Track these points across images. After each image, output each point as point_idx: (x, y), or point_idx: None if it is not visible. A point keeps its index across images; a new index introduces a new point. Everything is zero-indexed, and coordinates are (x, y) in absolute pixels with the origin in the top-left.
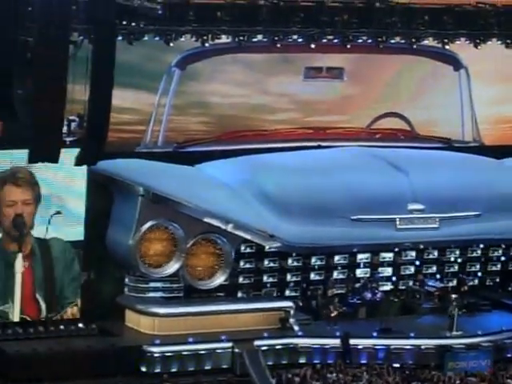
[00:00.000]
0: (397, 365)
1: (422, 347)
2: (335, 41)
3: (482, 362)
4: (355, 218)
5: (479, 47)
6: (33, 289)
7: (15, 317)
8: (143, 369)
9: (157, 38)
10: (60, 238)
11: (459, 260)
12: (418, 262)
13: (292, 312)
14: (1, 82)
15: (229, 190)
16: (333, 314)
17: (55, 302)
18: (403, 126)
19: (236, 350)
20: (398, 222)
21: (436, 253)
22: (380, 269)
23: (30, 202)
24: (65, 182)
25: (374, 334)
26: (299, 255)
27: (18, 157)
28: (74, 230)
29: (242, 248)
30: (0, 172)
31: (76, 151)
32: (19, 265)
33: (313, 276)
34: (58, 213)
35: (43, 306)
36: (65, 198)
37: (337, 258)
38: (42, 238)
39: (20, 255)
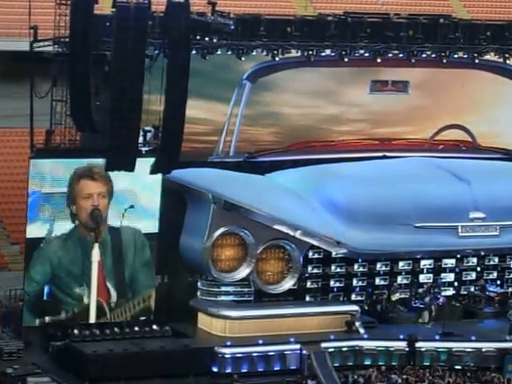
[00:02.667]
0: (458, 367)
1: (483, 350)
2: (400, 55)
3: None
4: (419, 225)
5: None
6: (103, 276)
7: (92, 301)
8: (215, 369)
9: (229, 52)
10: (130, 226)
11: None
12: (479, 268)
13: (358, 315)
14: (79, 94)
15: (297, 198)
16: (433, 314)
17: (124, 288)
18: (465, 138)
19: (304, 352)
20: (459, 230)
21: (496, 259)
22: (442, 275)
23: (104, 195)
24: (138, 177)
25: (437, 338)
26: (365, 261)
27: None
28: (145, 223)
29: (310, 254)
30: (76, 168)
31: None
32: (96, 254)
33: (378, 281)
34: (132, 207)
35: (113, 292)
36: (138, 193)
37: (401, 263)
38: (115, 227)
39: (97, 245)
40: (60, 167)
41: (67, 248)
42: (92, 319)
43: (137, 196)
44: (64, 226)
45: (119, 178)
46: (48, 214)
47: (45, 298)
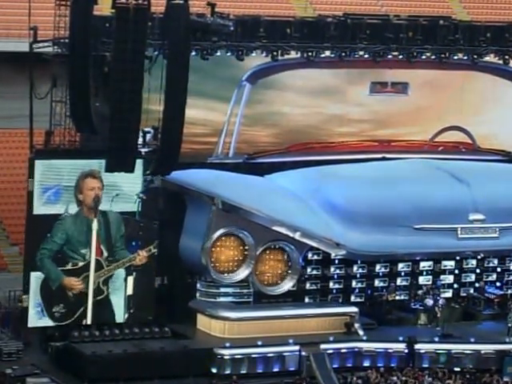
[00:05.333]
0: (457, 369)
1: (482, 352)
2: (400, 57)
3: None
4: (418, 227)
5: None
6: (99, 241)
7: (92, 259)
8: (214, 370)
9: (229, 54)
10: (113, 211)
11: None
12: (478, 270)
13: (357, 317)
14: (79, 95)
15: (297, 200)
16: (439, 315)
17: (110, 249)
18: (465, 139)
19: (303, 353)
20: (459, 232)
21: (496, 261)
22: (442, 276)
23: (100, 188)
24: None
25: (436, 339)
26: (364, 263)
27: (97, 166)
28: (128, 205)
29: (309, 255)
30: (82, 170)
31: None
32: (95, 226)
33: (377, 283)
34: (117, 195)
35: (105, 252)
36: (122, 184)
37: (400, 265)
38: (104, 210)
39: (95, 220)
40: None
41: (76, 223)
42: (89, 317)
43: (121, 186)
44: (73, 208)
45: (107, 174)
46: (65, 199)
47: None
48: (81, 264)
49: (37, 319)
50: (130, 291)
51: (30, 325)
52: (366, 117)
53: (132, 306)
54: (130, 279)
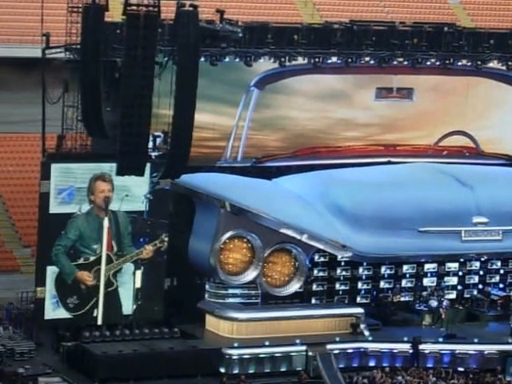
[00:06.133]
0: (461, 369)
1: (485, 352)
2: (405, 63)
3: None
4: (423, 229)
5: None
6: (110, 237)
7: (103, 253)
8: (222, 370)
9: (237, 60)
10: (121, 211)
11: None
12: (482, 272)
13: (362, 318)
14: (90, 100)
15: (304, 203)
16: (443, 316)
17: (119, 245)
18: (468, 144)
19: (310, 353)
20: (463, 234)
21: (499, 263)
22: (446, 278)
23: (110, 190)
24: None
25: (440, 340)
26: (370, 264)
27: (108, 169)
28: (135, 205)
29: (316, 257)
30: (94, 173)
31: None
32: (106, 224)
33: (382, 284)
34: (127, 195)
35: (115, 247)
36: (130, 186)
37: (405, 267)
38: (114, 210)
39: (106, 218)
40: (82, 169)
41: (88, 221)
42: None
43: (130, 188)
44: (86, 207)
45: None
46: (78, 199)
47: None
48: (92, 258)
49: (51, 311)
50: (138, 284)
51: (46, 317)
52: (372, 121)
53: (140, 298)
54: (139, 273)
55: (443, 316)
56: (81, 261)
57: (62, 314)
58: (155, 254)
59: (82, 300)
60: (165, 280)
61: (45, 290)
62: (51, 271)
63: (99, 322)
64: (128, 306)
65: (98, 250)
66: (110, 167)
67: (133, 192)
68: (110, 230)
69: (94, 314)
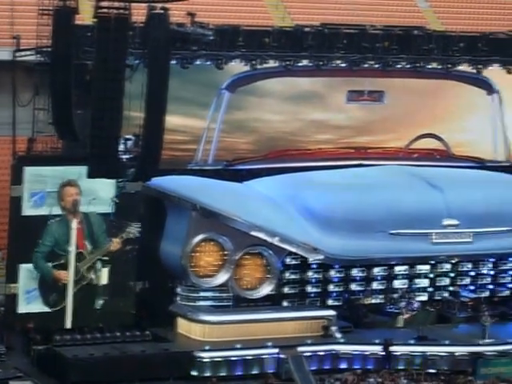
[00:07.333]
0: (432, 370)
1: (456, 354)
2: (376, 66)
3: None
4: (394, 232)
5: None
6: (83, 237)
7: (72, 252)
8: (194, 373)
9: (208, 63)
10: (93, 212)
11: (491, 272)
12: (452, 274)
13: (334, 320)
14: (61, 103)
15: (275, 206)
16: (404, 317)
17: (95, 243)
18: (439, 147)
19: (281, 356)
20: (433, 237)
21: (470, 265)
22: (417, 280)
23: (78, 193)
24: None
25: (411, 342)
26: (341, 267)
27: (77, 173)
28: (103, 207)
29: (288, 260)
30: (62, 180)
31: None
32: (74, 226)
33: (354, 287)
34: (94, 199)
35: (89, 246)
36: (98, 189)
37: (376, 269)
38: (85, 212)
39: (75, 220)
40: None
41: (61, 227)
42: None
43: (97, 192)
44: (57, 210)
45: (85, 180)
46: (49, 202)
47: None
48: (64, 261)
49: (24, 306)
50: (104, 281)
51: (19, 311)
52: (344, 124)
53: (106, 295)
54: (105, 270)
55: (414, 318)
56: (61, 261)
57: (35, 308)
58: (123, 252)
59: (60, 296)
60: (136, 283)
61: (17, 287)
62: (25, 269)
63: (69, 318)
64: (98, 302)
65: (68, 248)
66: (79, 171)
67: (100, 196)
68: (81, 230)
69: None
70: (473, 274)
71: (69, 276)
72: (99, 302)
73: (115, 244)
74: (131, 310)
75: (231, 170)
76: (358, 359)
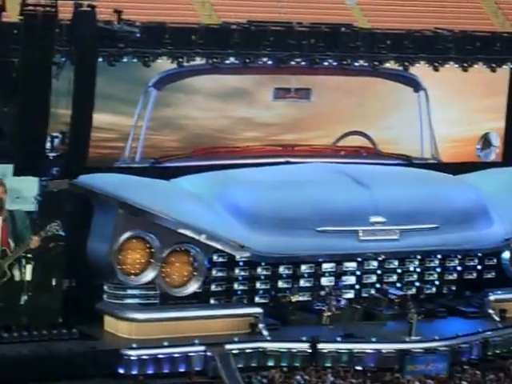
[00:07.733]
0: (359, 368)
1: (383, 351)
2: (303, 63)
3: (439, 365)
4: (321, 229)
5: (438, 70)
6: (7, 235)
7: None
8: (121, 371)
9: (135, 60)
10: (19, 209)
11: (418, 269)
12: (379, 272)
13: (261, 318)
14: None
15: (202, 203)
16: (327, 314)
17: (18, 240)
18: (366, 144)
19: (208, 354)
20: (360, 234)
21: (396, 262)
22: (344, 277)
23: (4, 192)
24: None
25: (338, 339)
26: (268, 264)
27: (2, 171)
28: (27, 205)
29: (215, 257)
30: None
31: None
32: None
33: (281, 284)
34: (17, 198)
35: (12, 243)
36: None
37: (303, 267)
38: (10, 210)
39: (0, 218)
40: None
41: None
42: None
43: (21, 190)
44: None
45: (10, 179)
46: None
47: None
48: None
49: None
50: (28, 277)
51: None
52: (271, 121)
53: (31, 291)
54: (29, 267)
55: (340, 315)
56: None
57: None
58: (47, 249)
59: None
60: (63, 280)
61: None
62: None
63: None
64: (23, 298)
65: None
66: (5, 168)
67: (23, 194)
68: (5, 228)
69: None
70: (399, 271)
71: None
72: (23, 298)
73: (34, 242)
74: (56, 307)
75: (158, 168)
76: (285, 357)
